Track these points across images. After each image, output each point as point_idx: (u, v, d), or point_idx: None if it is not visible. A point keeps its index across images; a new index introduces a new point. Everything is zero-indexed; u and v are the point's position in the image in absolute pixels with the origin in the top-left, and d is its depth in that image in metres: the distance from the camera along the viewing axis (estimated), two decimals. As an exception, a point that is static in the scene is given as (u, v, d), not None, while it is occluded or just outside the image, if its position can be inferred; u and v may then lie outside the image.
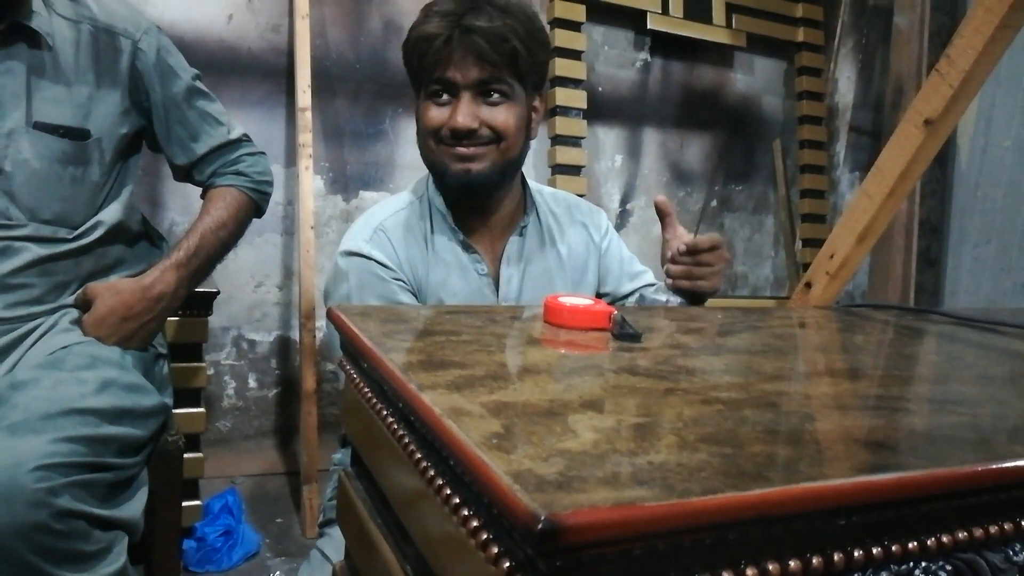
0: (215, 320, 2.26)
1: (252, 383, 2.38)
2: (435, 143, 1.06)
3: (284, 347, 2.40)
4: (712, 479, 0.35)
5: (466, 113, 1.02)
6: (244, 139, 1.25)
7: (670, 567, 0.34)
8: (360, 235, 1.10)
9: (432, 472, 0.44)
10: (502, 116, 1.05)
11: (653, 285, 1.21)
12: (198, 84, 1.20)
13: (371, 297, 1.05)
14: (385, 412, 0.54)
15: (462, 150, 1.04)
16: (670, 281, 1.06)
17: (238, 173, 1.22)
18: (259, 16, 2.23)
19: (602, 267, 1.23)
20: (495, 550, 0.36)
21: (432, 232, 1.11)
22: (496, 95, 1.04)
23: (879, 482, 0.37)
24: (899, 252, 2.75)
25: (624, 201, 2.83)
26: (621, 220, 2.83)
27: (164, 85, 1.16)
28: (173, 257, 1.13)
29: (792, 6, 2.89)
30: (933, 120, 0.73)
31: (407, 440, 0.49)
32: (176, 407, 1.54)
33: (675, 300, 1.03)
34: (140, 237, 1.24)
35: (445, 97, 1.04)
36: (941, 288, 2.85)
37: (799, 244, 3.00)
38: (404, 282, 1.07)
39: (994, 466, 0.40)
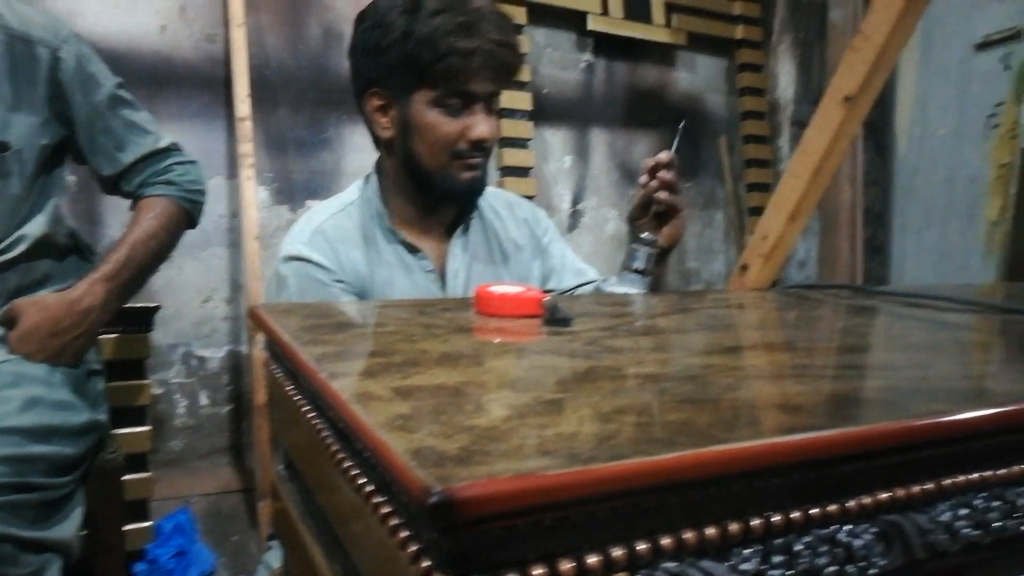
0: (162, 338, 2.20)
1: (204, 400, 2.32)
2: (448, 156, 1.05)
3: (235, 362, 2.34)
4: (621, 447, 0.34)
5: (492, 125, 1.05)
6: (173, 148, 1.22)
7: (584, 538, 0.33)
8: (299, 238, 1.08)
9: (347, 464, 0.43)
10: (496, 126, 1.08)
11: (600, 280, 1.21)
12: (122, 92, 1.17)
13: (311, 300, 1.03)
14: (306, 408, 0.52)
15: (475, 160, 1.06)
16: (664, 196, 1.05)
17: (168, 182, 1.19)
18: (193, 26, 2.18)
19: (545, 264, 1.23)
20: (403, 534, 0.35)
21: (374, 232, 1.10)
22: (494, 105, 1.07)
23: (790, 443, 0.37)
24: (845, 240, 2.81)
25: (575, 201, 2.84)
26: (573, 220, 2.83)
27: (86, 94, 1.12)
28: (101, 270, 1.10)
29: (730, 4, 2.93)
30: (852, 96, 0.74)
31: (326, 435, 0.47)
32: (119, 426, 1.49)
33: (636, 287, 1.01)
34: (69, 251, 1.20)
35: (459, 107, 1.03)
36: (888, 273, 2.91)
37: (748, 238, 3.04)
38: (346, 284, 1.05)
39: (906, 423, 0.40)
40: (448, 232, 1.14)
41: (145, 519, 1.71)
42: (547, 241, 1.24)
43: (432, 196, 1.10)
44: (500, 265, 1.17)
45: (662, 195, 1.05)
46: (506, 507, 0.30)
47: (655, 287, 1.09)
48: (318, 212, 1.13)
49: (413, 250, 1.10)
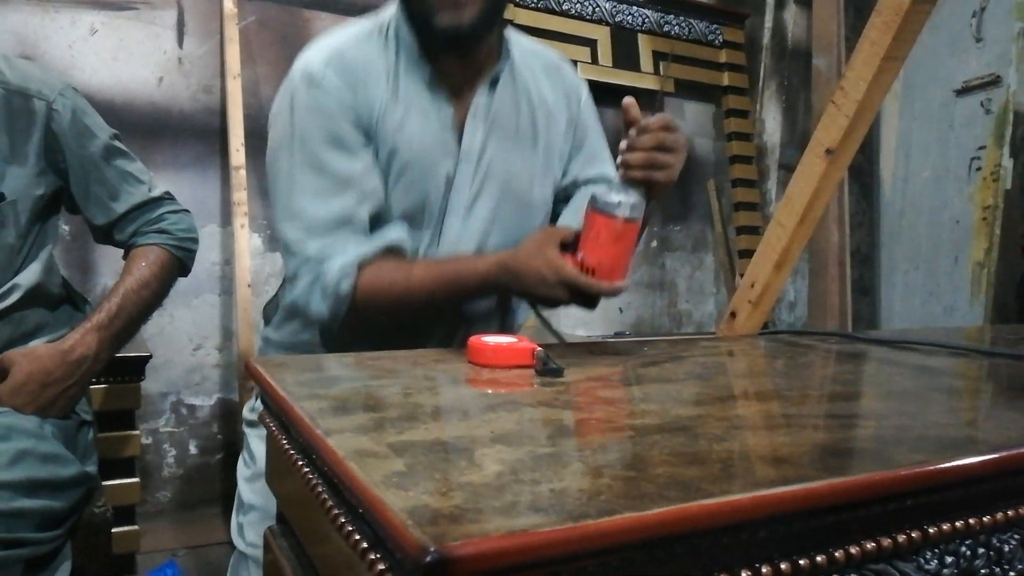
0: (151, 386, 2.19)
1: (193, 450, 2.30)
2: None
3: (226, 410, 2.33)
4: (611, 502, 0.35)
5: None
6: (167, 197, 1.23)
7: (575, 595, 0.34)
8: (318, 55, 0.98)
9: (341, 519, 0.43)
10: None
11: (607, 184, 1.00)
12: (116, 143, 1.18)
13: (314, 131, 0.95)
14: (300, 462, 0.53)
15: None
16: (622, 171, 0.89)
17: (161, 231, 1.20)
18: (190, 77, 2.22)
19: (574, 141, 1.12)
20: (398, 592, 0.35)
21: (397, 66, 0.99)
22: None
23: (776, 495, 0.37)
24: (834, 283, 2.83)
25: (566, 245, 2.87)
26: (564, 264, 2.86)
27: (81, 145, 1.14)
28: (94, 319, 1.09)
29: (716, 52, 3.00)
30: (833, 149, 0.77)
31: (320, 489, 0.47)
32: (108, 478, 1.48)
33: (628, 200, 0.85)
34: (62, 301, 1.20)
35: None
36: (876, 315, 2.94)
37: (739, 280, 3.06)
38: (355, 122, 0.96)
39: (890, 473, 0.41)
40: (475, 84, 1.02)
41: (132, 573, 1.68)
42: (582, 118, 1.13)
43: (426, 42, 0.98)
44: (524, 138, 1.05)
45: (636, 174, 0.87)
46: (499, 565, 0.30)
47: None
48: (339, 34, 1.01)
49: (437, 90, 1.00)
